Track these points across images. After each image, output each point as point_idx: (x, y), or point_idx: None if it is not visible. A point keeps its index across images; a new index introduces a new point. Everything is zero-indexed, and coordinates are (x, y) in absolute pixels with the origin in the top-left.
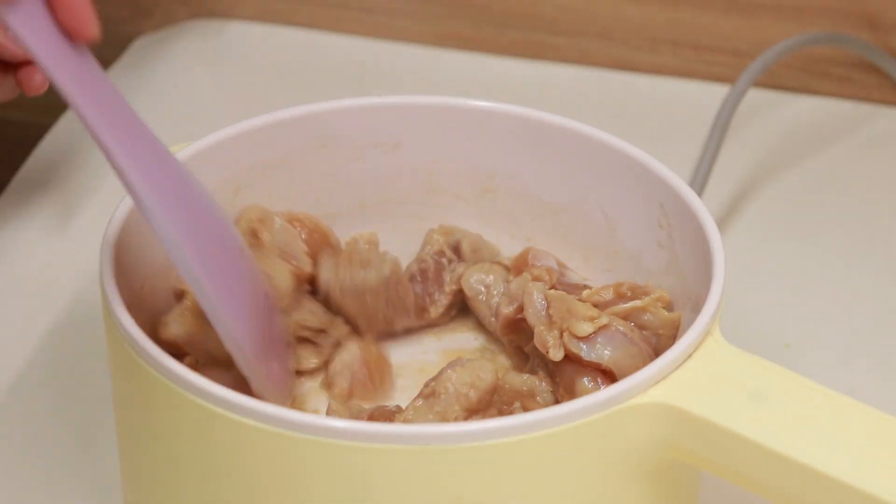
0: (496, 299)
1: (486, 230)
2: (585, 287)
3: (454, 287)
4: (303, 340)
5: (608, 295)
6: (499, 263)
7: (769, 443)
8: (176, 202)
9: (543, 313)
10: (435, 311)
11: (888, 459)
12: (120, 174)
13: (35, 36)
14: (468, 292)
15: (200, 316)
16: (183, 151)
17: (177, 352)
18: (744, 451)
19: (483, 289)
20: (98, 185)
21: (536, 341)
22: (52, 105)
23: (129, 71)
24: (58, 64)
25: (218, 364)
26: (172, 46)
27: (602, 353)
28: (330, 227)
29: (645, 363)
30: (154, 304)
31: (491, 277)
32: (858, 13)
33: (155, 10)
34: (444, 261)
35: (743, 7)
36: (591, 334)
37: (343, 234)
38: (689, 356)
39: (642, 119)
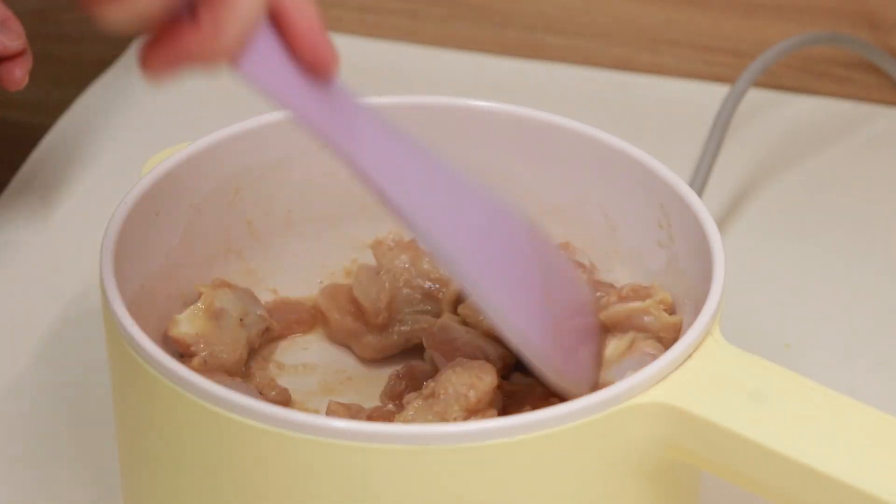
0: None
1: None
2: (612, 286)
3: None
4: None
5: (610, 298)
6: None
7: (769, 443)
8: (450, 217)
9: None
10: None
11: (888, 459)
12: (370, 186)
13: (271, 78)
14: None
15: (212, 317)
16: (183, 151)
17: (185, 351)
18: (744, 451)
19: None
20: (98, 185)
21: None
22: (53, 105)
23: (129, 71)
24: (300, 102)
25: (224, 368)
26: None
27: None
28: (329, 227)
29: None
30: (154, 304)
31: None
32: (858, 13)
33: None
34: None
35: (743, 7)
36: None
37: (343, 235)
38: (689, 356)
39: (642, 119)
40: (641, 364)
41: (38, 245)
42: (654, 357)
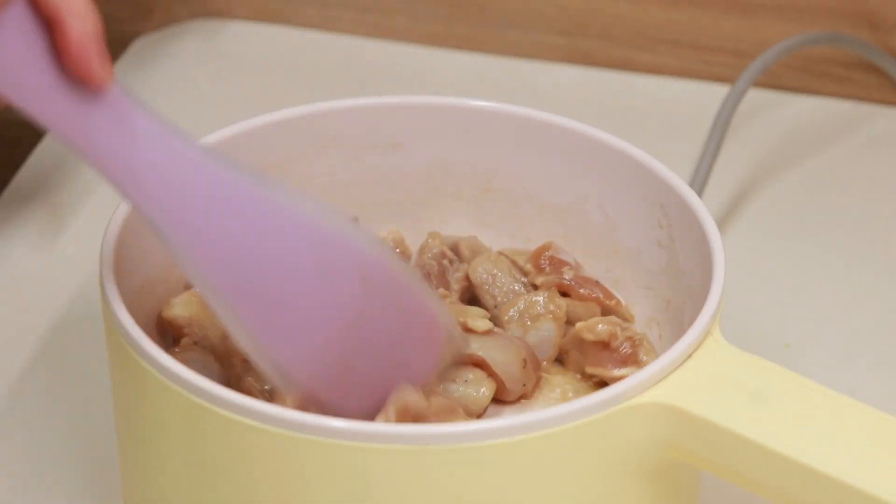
0: (502, 291)
1: (486, 230)
2: (597, 283)
3: (463, 284)
4: None
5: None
6: (506, 256)
7: (769, 443)
8: (198, 219)
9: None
10: None
11: (888, 459)
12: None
13: (17, 81)
14: (475, 280)
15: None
16: None
17: (177, 334)
18: (744, 451)
19: (490, 278)
20: (98, 186)
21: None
22: None
23: (129, 71)
24: (58, 116)
25: (215, 352)
26: (172, 46)
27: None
28: None
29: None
30: (154, 304)
31: (497, 270)
32: (858, 13)
33: (155, 10)
34: (446, 262)
35: (743, 7)
36: None
37: None
38: (689, 356)
39: (642, 119)
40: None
41: (38, 245)
42: None
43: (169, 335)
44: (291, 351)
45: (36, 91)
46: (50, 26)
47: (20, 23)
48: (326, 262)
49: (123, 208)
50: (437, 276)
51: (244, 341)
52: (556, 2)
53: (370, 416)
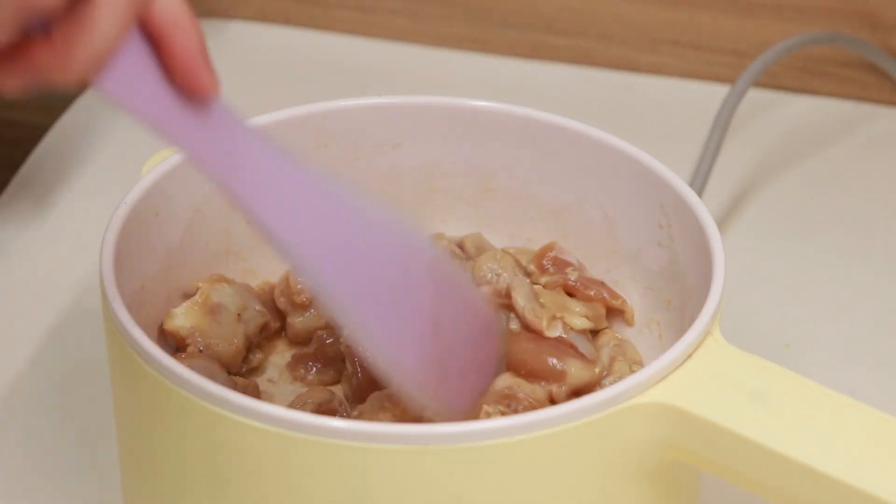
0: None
1: (486, 230)
2: (602, 284)
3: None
4: None
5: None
6: (510, 254)
7: (769, 443)
8: (317, 234)
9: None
10: None
11: (888, 459)
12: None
13: (139, 101)
14: (481, 280)
15: (209, 312)
16: None
17: (179, 345)
18: (744, 451)
19: (495, 277)
20: (98, 185)
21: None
22: (52, 105)
23: None
24: (175, 127)
25: (221, 361)
26: None
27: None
28: None
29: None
30: (154, 304)
31: (501, 269)
32: (858, 13)
33: None
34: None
35: (743, 7)
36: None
37: None
38: (689, 356)
39: (642, 119)
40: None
41: (39, 245)
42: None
43: (171, 343)
44: (401, 349)
45: (155, 108)
46: (157, 44)
47: (135, 45)
48: (407, 263)
49: (123, 208)
50: None
51: (364, 343)
52: (556, 2)
53: (464, 414)
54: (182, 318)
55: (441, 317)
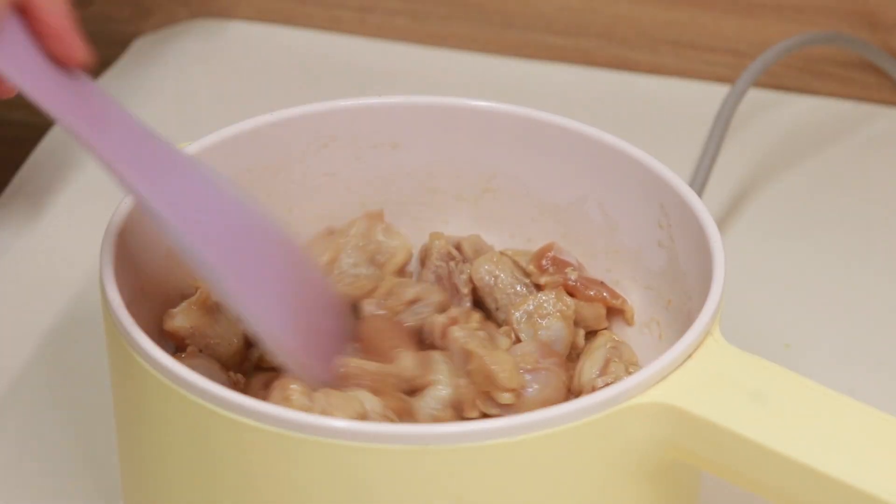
0: (504, 293)
1: (486, 230)
2: (602, 283)
3: (470, 286)
4: None
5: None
6: (508, 256)
7: (769, 443)
8: (188, 205)
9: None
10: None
11: (888, 459)
12: (116, 176)
13: (19, 69)
14: (478, 282)
15: (208, 311)
16: (183, 151)
17: (179, 345)
18: (744, 451)
19: (492, 280)
20: (98, 185)
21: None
22: None
23: (129, 71)
24: (48, 94)
25: (220, 361)
26: (172, 46)
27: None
28: (330, 228)
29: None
30: (154, 304)
31: (499, 272)
32: (858, 13)
33: (155, 10)
34: (453, 264)
35: (743, 7)
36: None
37: None
38: (689, 356)
39: (642, 119)
40: (537, 380)
41: (39, 245)
42: (547, 371)
43: (171, 343)
44: (274, 317)
45: (32, 78)
46: (25, 16)
47: (13, 22)
48: (262, 230)
49: (123, 208)
50: (446, 279)
51: (239, 312)
52: (556, 2)
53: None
54: (181, 319)
55: (301, 293)
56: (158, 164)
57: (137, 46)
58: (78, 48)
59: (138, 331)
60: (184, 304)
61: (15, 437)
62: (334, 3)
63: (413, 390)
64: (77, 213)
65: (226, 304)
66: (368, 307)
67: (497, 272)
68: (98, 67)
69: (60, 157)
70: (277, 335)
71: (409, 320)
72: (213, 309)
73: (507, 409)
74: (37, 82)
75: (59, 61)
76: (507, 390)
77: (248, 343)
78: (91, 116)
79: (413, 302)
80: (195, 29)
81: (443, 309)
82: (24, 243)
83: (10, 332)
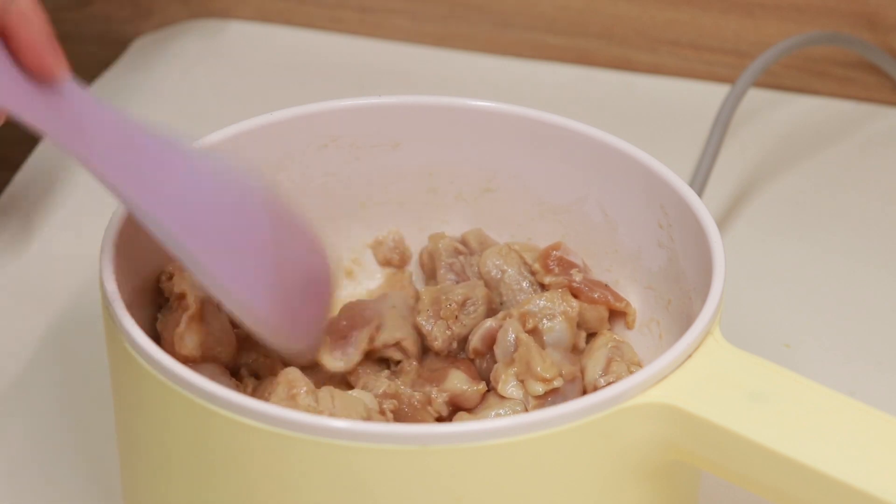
0: (509, 289)
1: (487, 230)
2: (606, 286)
3: (481, 280)
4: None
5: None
6: (515, 251)
7: (769, 443)
8: (169, 193)
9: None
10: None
11: (888, 459)
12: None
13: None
14: (485, 275)
15: (200, 320)
16: None
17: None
18: (744, 451)
19: (499, 274)
20: (98, 185)
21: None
22: None
23: (129, 71)
24: (27, 108)
25: (218, 360)
26: (172, 46)
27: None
28: (329, 227)
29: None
30: (154, 305)
31: (507, 266)
32: (858, 13)
33: (155, 10)
34: (462, 258)
35: (743, 7)
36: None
37: (343, 235)
38: (689, 356)
39: (642, 119)
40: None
41: (39, 244)
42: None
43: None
44: (247, 288)
45: (11, 94)
46: (6, 37)
47: None
48: (242, 205)
49: (124, 209)
50: (461, 274)
51: (213, 288)
52: (556, 2)
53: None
54: (191, 340)
55: (281, 256)
56: (143, 162)
57: (137, 46)
58: (55, 61)
59: (138, 331)
60: (184, 323)
61: (15, 438)
62: (334, 3)
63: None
64: (77, 214)
65: (195, 274)
66: (427, 326)
67: (505, 266)
68: (98, 67)
69: (61, 157)
70: (251, 303)
71: (466, 321)
72: (203, 315)
73: (540, 402)
74: (14, 97)
75: (37, 75)
76: (542, 381)
77: (240, 337)
78: (72, 125)
79: (463, 304)
80: (195, 29)
81: (489, 301)
82: (25, 243)
83: (10, 332)
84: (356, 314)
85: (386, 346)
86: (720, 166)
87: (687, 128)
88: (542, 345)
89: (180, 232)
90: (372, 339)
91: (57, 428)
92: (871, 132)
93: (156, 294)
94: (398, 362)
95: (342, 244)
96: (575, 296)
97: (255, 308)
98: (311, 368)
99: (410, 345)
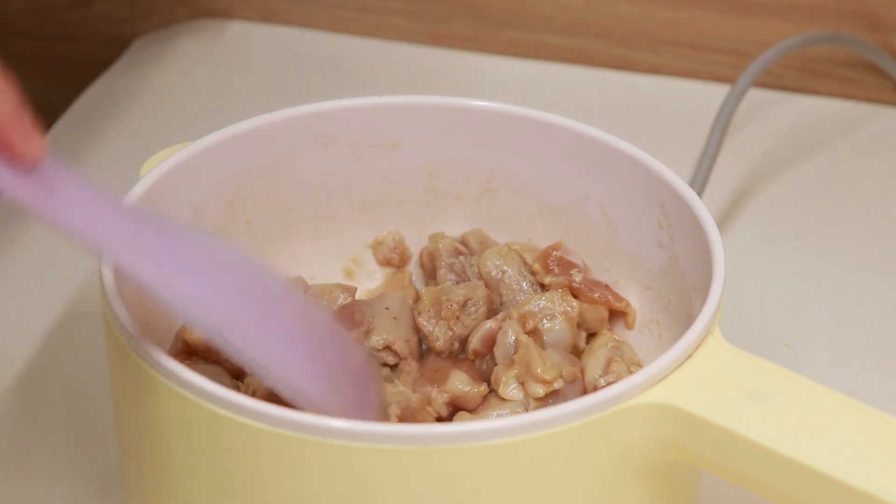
0: (509, 289)
1: (487, 230)
2: (606, 286)
3: (480, 280)
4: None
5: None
6: (515, 251)
7: (769, 443)
8: (182, 271)
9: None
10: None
11: (888, 459)
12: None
13: None
14: (486, 275)
15: None
16: (183, 151)
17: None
18: (744, 451)
19: (499, 274)
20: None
21: (493, 378)
22: (52, 105)
23: (129, 71)
24: (17, 190)
25: (216, 359)
26: (172, 46)
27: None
28: (329, 228)
29: None
30: (154, 304)
31: (507, 266)
32: (858, 13)
33: (155, 10)
34: (462, 258)
35: (743, 7)
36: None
37: (343, 234)
38: (689, 356)
39: (642, 119)
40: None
41: (39, 245)
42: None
43: (183, 350)
44: (293, 371)
45: None
46: None
47: None
48: (264, 280)
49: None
50: (461, 274)
51: (259, 372)
52: (556, 2)
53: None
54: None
55: (318, 349)
56: (139, 232)
57: (137, 46)
58: (30, 144)
59: (138, 330)
60: None
61: (15, 438)
62: (334, 2)
63: None
64: None
65: (244, 364)
66: (428, 326)
67: (505, 267)
68: (98, 67)
69: (62, 154)
70: (297, 385)
71: (467, 321)
72: None
73: (541, 403)
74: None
75: (14, 159)
76: (542, 382)
77: None
78: (70, 206)
79: (465, 304)
80: (195, 29)
81: (489, 301)
82: (25, 243)
83: (10, 331)
84: (346, 317)
85: (375, 350)
86: (720, 166)
87: (687, 128)
88: (542, 345)
89: (218, 321)
90: (360, 343)
91: (57, 427)
92: (871, 132)
93: None
94: (395, 365)
95: (342, 244)
96: (575, 296)
97: (302, 386)
98: None
99: (402, 347)
